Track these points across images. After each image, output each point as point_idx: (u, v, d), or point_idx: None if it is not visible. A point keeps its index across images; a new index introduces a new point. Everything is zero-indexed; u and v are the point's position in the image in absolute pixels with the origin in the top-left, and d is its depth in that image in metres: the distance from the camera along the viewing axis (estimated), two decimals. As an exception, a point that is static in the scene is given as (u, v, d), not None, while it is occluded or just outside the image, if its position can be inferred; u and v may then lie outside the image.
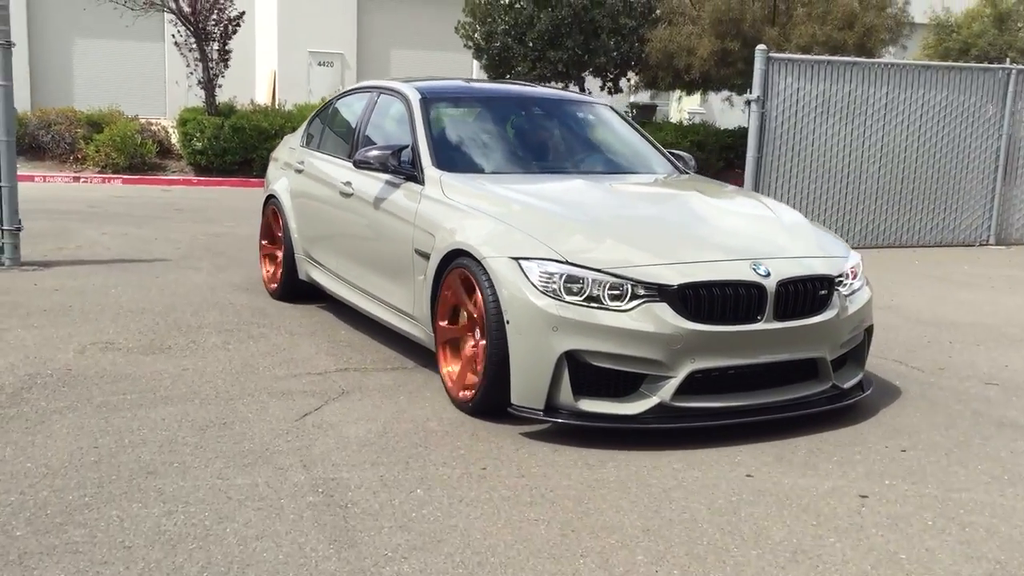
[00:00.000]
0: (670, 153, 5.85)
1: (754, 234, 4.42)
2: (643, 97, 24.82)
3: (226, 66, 16.85)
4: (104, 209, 11.44)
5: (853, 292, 4.37)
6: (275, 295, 6.49)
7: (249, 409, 4.14)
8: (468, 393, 4.14)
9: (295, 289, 6.32)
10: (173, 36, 17.02)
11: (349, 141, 5.82)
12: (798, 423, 4.11)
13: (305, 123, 6.77)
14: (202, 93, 16.84)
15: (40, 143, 16.55)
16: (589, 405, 3.84)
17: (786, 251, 4.25)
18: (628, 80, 20.28)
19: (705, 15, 17.79)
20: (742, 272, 3.95)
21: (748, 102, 9.03)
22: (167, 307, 6.08)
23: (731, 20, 17.39)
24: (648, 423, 3.84)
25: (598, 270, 3.84)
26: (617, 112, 6.13)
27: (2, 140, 7.08)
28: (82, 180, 15.45)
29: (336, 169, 5.72)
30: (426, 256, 4.49)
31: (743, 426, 3.99)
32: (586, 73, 19.24)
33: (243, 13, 16.93)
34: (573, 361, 3.79)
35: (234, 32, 16.80)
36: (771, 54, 8.99)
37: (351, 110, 6.12)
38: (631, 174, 5.46)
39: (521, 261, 3.92)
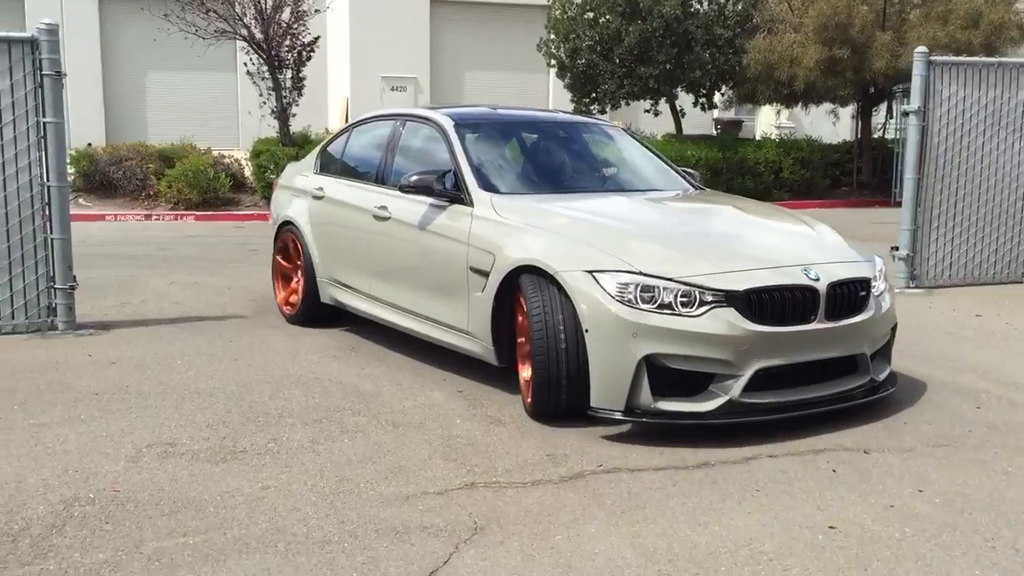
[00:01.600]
0: (683, 170, 6.22)
1: (796, 242, 4.84)
2: (728, 113, 23.45)
3: (300, 94, 16.04)
4: (174, 252, 10.57)
5: (881, 293, 4.71)
6: (292, 319, 6.64)
7: (353, 563, 3.00)
8: (529, 400, 4.46)
9: (315, 312, 6.49)
10: (245, 64, 16.27)
11: (376, 167, 6.04)
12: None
13: (316, 151, 6.90)
14: (276, 123, 16.04)
15: (111, 180, 15.94)
16: (666, 405, 4.12)
17: (828, 256, 4.62)
18: (722, 94, 18.95)
19: (808, 21, 16.42)
20: (796, 277, 4.29)
21: (906, 113, 7.71)
22: (241, 385, 5.03)
23: (838, 26, 15.98)
24: (718, 419, 4.13)
25: (669, 279, 4.13)
26: (630, 134, 6.49)
27: (53, 186, 6.14)
28: (154, 217, 14.73)
29: (365, 194, 5.93)
30: (483, 273, 4.72)
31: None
32: (678, 88, 17.97)
33: (317, 38, 16.11)
34: (650, 365, 4.07)
35: (308, 58, 16.00)
36: (932, 57, 7.64)
37: (373, 138, 6.32)
38: (658, 191, 5.73)
39: (595, 274, 4.20)
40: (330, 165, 6.64)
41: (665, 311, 4.08)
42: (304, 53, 15.87)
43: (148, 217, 14.70)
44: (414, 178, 5.23)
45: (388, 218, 5.60)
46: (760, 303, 4.16)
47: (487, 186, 5.17)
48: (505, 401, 4.76)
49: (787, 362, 4.24)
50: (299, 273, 6.57)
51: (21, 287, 6.17)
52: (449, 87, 27.70)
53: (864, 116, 18.64)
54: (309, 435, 4.22)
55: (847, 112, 20.38)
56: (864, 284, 4.55)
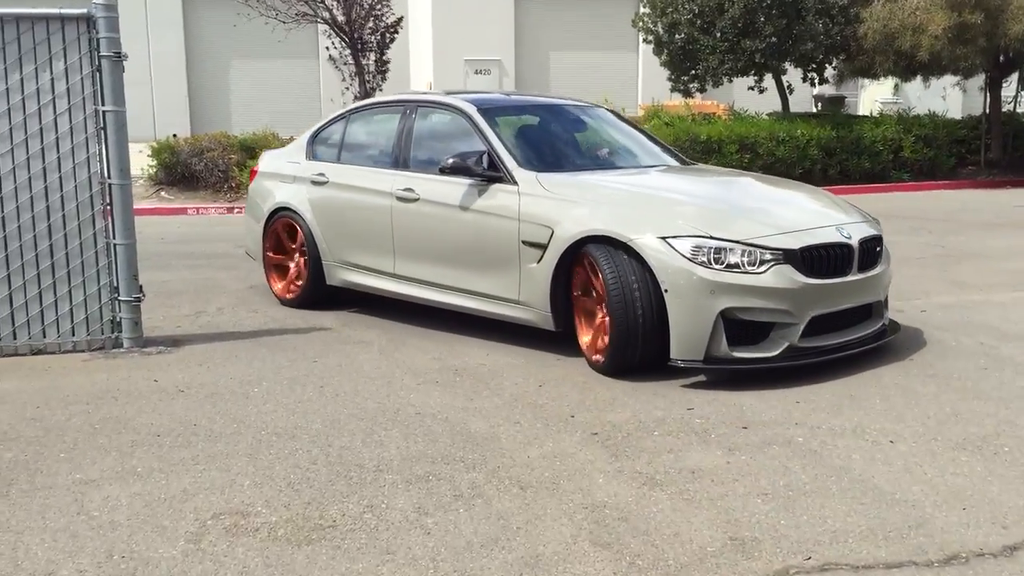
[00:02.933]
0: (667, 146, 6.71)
1: (821, 206, 5.38)
2: (827, 89, 21.94)
3: (383, 78, 15.29)
4: (255, 249, 9.84)
5: (884, 249, 5.31)
6: (294, 303, 6.73)
7: None
8: (599, 357, 4.87)
9: (319, 295, 6.65)
10: (327, 49, 15.56)
11: (391, 152, 6.23)
12: None
13: (305, 138, 6.97)
14: (359, 109, 15.32)
15: (193, 172, 15.42)
16: (739, 352, 4.59)
17: (851, 218, 5.19)
18: (833, 68, 17.55)
19: (936, -15, 14.96)
20: (833, 236, 4.85)
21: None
22: (328, 423, 4.17)
23: (969, -11, 14.49)
24: (782, 362, 4.65)
25: (736, 241, 4.60)
26: (616, 114, 6.95)
27: (114, 183, 5.38)
28: (235, 211, 14.11)
29: (381, 177, 6.12)
30: (539, 246, 5.08)
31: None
32: (787, 63, 16.66)
33: (401, 19, 15.33)
34: (725, 318, 4.53)
35: (391, 41, 15.23)
36: None
37: (378, 125, 6.56)
38: (665, 165, 6.19)
39: (669, 239, 4.62)
40: (326, 152, 6.74)
41: (734, 270, 4.57)
42: (387, 35, 15.12)
43: (230, 210, 14.10)
44: (451, 160, 5.49)
45: (416, 199, 5.83)
46: (811, 259, 4.72)
47: (526, 165, 5.47)
48: (654, 449, 3.80)
49: (832, 310, 4.81)
50: (298, 257, 6.75)
51: (82, 299, 5.44)
52: (534, 69, 26.72)
53: (993, 88, 17.05)
54: (414, 501, 3.33)
55: (964, 86, 18.77)
56: (879, 241, 5.23)
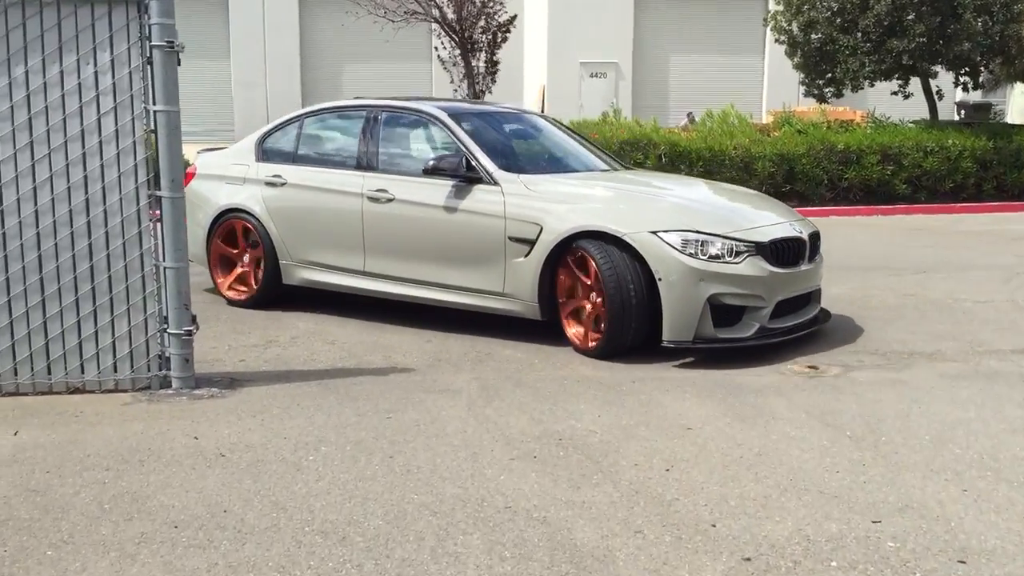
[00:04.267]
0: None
1: (770, 205, 6.20)
2: (971, 95, 20.01)
3: (494, 80, 14.40)
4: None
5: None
6: (246, 304, 6.79)
7: None
8: (594, 343, 5.36)
9: (272, 294, 6.76)
10: (436, 49, 14.76)
11: (357, 155, 6.43)
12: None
13: (252, 140, 7.03)
14: (467, 113, 14.47)
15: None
16: (721, 333, 5.19)
17: (795, 216, 5.98)
18: (989, 71, 15.82)
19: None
20: (789, 231, 5.55)
21: None
22: (391, 519, 3.21)
23: None
24: (755, 341, 5.29)
25: (717, 235, 5.21)
26: (558, 121, 7.47)
27: (165, 196, 4.58)
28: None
29: (348, 179, 6.33)
30: (526, 242, 5.52)
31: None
32: (938, 65, 15.04)
33: (514, 17, 14.39)
34: (710, 303, 5.12)
35: (503, 40, 14.33)
36: None
37: (340, 128, 6.78)
38: (620, 170, 6.80)
39: (660, 233, 5.19)
40: (279, 154, 6.84)
41: (716, 260, 5.12)
42: (499, 34, 14.23)
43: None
44: (434, 163, 5.86)
45: (391, 200, 6.08)
46: (776, 251, 5.32)
47: (505, 167, 5.88)
48: (833, 591, 2.71)
49: (792, 295, 5.45)
50: (248, 258, 6.83)
51: (125, 331, 4.66)
52: (652, 73, 25.49)
53: None
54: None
55: None
56: (819, 236, 5.85)
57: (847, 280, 7.92)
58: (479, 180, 5.78)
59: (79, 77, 4.47)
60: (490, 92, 14.39)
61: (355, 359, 5.40)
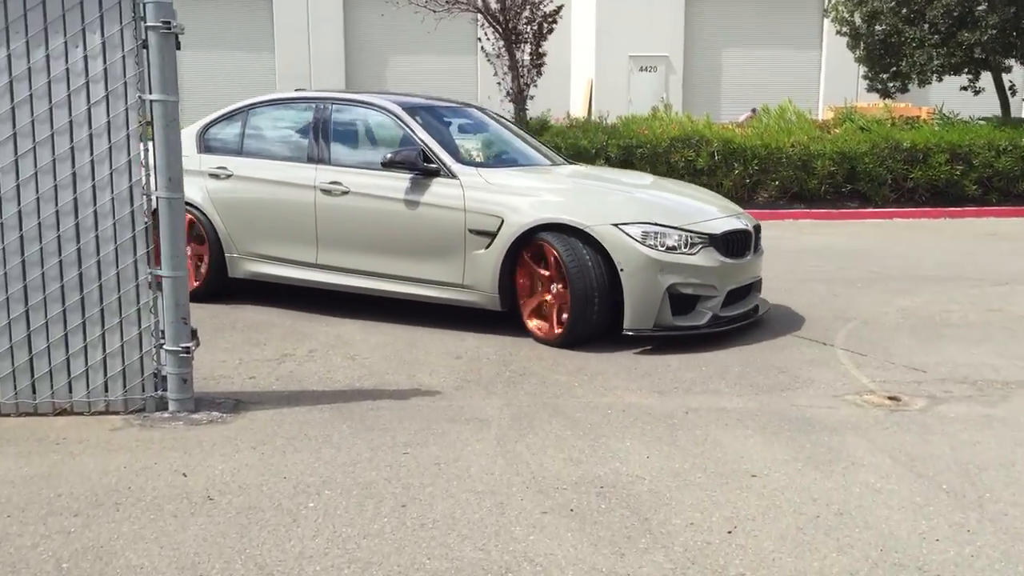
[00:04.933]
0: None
1: (715, 199, 6.41)
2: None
3: (539, 73, 13.81)
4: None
5: None
6: (193, 296, 6.02)
7: None
8: (558, 332, 5.45)
9: (218, 287, 6.65)
10: (479, 40, 14.21)
11: (307, 148, 6.38)
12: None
13: (193, 132, 6.83)
14: (512, 107, 13.90)
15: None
16: (678, 321, 5.39)
17: (736, 209, 6.22)
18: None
19: None
20: (737, 223, 5.79)
21: None
22: (397, 591, 2.67)
23: None
24: (708, 328, 5.49)
25: (675, 227, 5.42)
26: (503, 116, 7.71)
27: (162, 196, 4.08)
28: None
29: (299, 171, 6.29)
30: (487, 234, 5.58)
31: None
32: (1011, 59, 14.15)
33: (560, 7, 13.76)
34: (669, 293, 5.32)
35: (549, 31, 13.73)
36: None
37: (288, 121, 6.69)
38: (565, 165, 6.97)
39: (621, 226, 5.34)
40: (223, 146, 6.73)
41: (674, 252, 5.37)
42: (545, 25, 13.62)
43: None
44: (392, 155, 5.85)
45: (346, 192, 6.06)
46: (727, 243, 5.61)
47: (463, 160, 5.99)
48: None
49: (740, 285, 5.73)
50: (190, 251, 6.54)
51: (118, 346, 4.17)
52: (703, 67, 24.70)
53: None
54: None
55: None
56: (759, 229, 6.15)
57: (919, 291, 7.23)
58: (437, 173, 5.82)
59: (67, 62, 3.98)
60: (535, 86, 13.81)
61: (376, 378, 4.87)
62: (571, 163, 7.24)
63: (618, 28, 23.69)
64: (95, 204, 4.06)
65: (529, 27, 13.54)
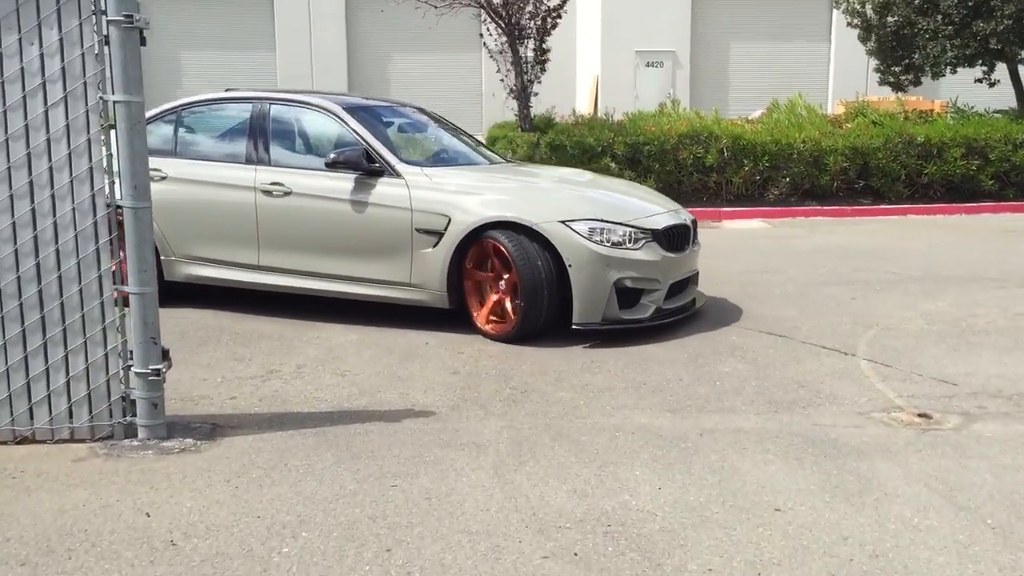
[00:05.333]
0: None
1: (652, 195, 6.55)
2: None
3: (543, 69, 13.44)
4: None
5: None
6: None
7: None
8: (507, 327, 5.53)
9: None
10: (481, 36, 13.86)
11: (245, 148, 6.28)
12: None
13: None
14: (515, 104, 13.55)
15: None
16: (624, 315, 5.48)
17: (672, 204, 6.38)
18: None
19: None
20: (676, 219, 5.92)
21: None
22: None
23: None
24: (652, 321, 5.60)
25: (620, 223, 5.51)
26: (438, 115, 7.51)
27: (127, 207, 3.75)
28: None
29: (238, 173, 6.20)
30: (434, 232, 5.61)
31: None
32: (1028, 50, 13.75)
33: (565, 2, 13.39)
34: (615, 287, 5.41)
35: (553, 27, 13.35)
36: None
37: (224, 121, 6.55)
38: (506, 163, 7.14)
39: (568, 223, 5.43)
40: (155, 148, 6.43)
41: (619, 247, 5.45)
42: (548, 20, 13.25)
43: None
44: (335, 156, 5.80)
45: (288, 193, 6.01)
46: (669, 237, 5.73)
47: (407, 160, 5.97)
48: None
49: (681, 278, 5.87)
50: (124, 255, 6.59)
51: (82, 368, 3.84)
52: (711, 62, 24.30)
53: None
54: None
55: None
56: (696, 224, 6.27)
57: (941, 294, 6.87)
58: (381, 173, 5.82)
59: (21, 61, 3.65)
60: (539, 82, 13.46)
61: (367, 397, 4.53)
62: (508, 161, 7.39)
63: (624, 23, 23.32)
64: (55, 215, 3.73)
65: (532, 22, 13.18)
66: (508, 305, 5.53)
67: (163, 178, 6.33)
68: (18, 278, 3.76)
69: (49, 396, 3.84)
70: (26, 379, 3.82)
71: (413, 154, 6.39)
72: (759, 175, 12.56)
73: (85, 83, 3.68)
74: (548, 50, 13.39)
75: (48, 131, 3.68)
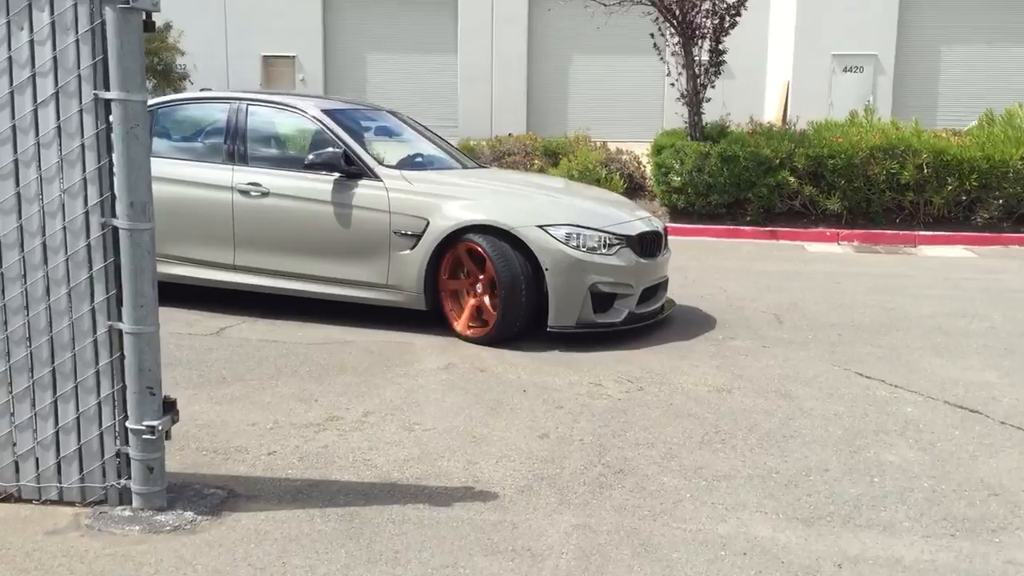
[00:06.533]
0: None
1: (624, 203, 6.55)
2: None
3: (717, 72, 12.26)
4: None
5: None
6: None
7: None
8: (486, 330, 5.57)
9: None
10: (652, 36, 12.85)
11: (223, 149, 6.28)
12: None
13: None
14: (687, 111, 12.44)
15: (491, 178, 13.45)
16: (599, 319, 5.56)
17: (643, 211, 6.39)
18: None
19: None
20: (648, 226, 6.00)
21: None
22: None
23: None
24: (625, 325, 5.68)
25: (596, 229, 5.60)
26: (413, 120, 7.52)
27: (122, 227, 3.08)
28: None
29: (214, 173, 6.20)
30: (412, 235, 5.67)
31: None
32: None
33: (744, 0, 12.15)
34: (590, 291, 5.48)
35: (732, 26, 12.15)
36: None
37: (201, 120, 6.58)
38: (481, 168, 7.15)
39: (546, 227, 5.52)
40: None
41: (594, 252, 5.54)
42: (727, 19, 12.06)
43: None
44: (313, 157, 5.87)
45: (266, 194, 6.03)
46: (642, 243, 5.80)
47: (386, 163, 6.05)
48: None
49: (652, 283, 5.92)
50: None
51: (72, 419, 3.22)
52: (919, 66, 22.10)
53: None
54: None
55: None
56: (667, 231, 6.34)
57: None
58: (360, 175, 5.86)
59: (9, 50, 3.05)
60: (712, 87, 12.29)
61: (424, 464, 3.71)
62: (483, 167, 7.36)
63: (821, 24, 21.58)
64: (43, 235, 3.12)
65: (708, 21, 12.04)
66: (487, 302, 5.57)
67: None
68: (3, 307, 3.17)
69: (35, 449, 3.24)
70: (10, 427, 3.23)
71: (391, 158, 6.33)
72: (965, 195, 10.92)
73: (79, 76, 3.04)
74: (724, 52, 12.20)
75: (38, 133, 3.07)
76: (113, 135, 3.03)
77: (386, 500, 3.35)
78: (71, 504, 3.25)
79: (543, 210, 5.68)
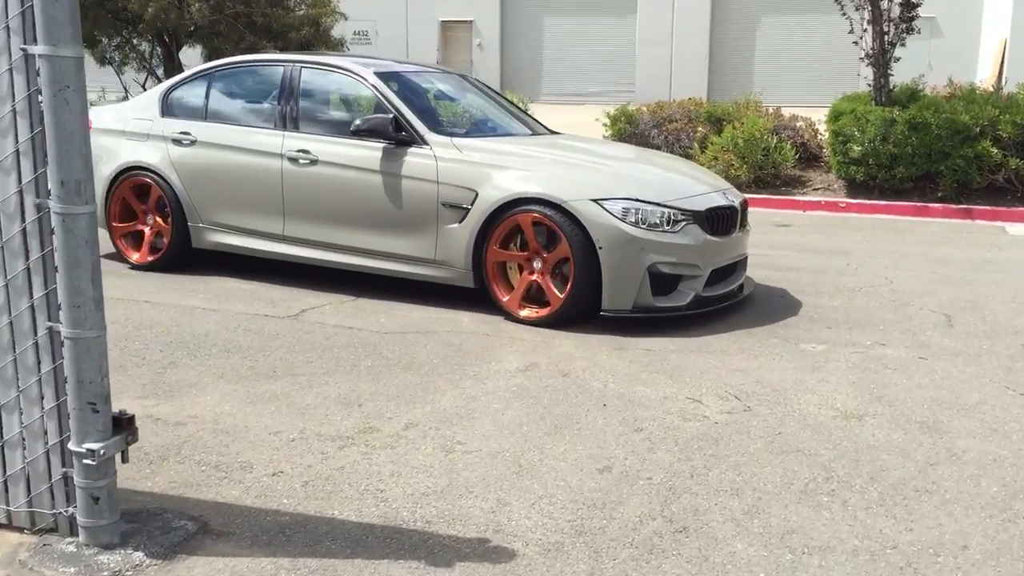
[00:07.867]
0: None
1: (702, 174, 6.00)
2: None
3: (908, 29, 10.80)
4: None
5: None
6: (155, 267, 6.40)
7: None
8: (548, 311, 5.14)
9: (181, 258, 6.38)
10: (835, -12, 11.46)
11: (274, 113, 6.07)
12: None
13: (156, 94, 6.60)
14: (872, 72, 11.05)
15: (652, 146, 12.53)
16: (659, 302, 5.09)
17: (725, 184, 5.88)
18: None
19: None
20: (722, 200, 5.47)
21: None
22: None
23: None
24: (689, 311, 5.18)
25: (657, 204, 5.11)
26: (482, 82, 7.29)
27: (55, 211, 2.55)
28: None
29: (265, 138, 5.99)
30: (460, 208, 5.29)
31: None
32: None
33: (947, -59, 10.58)
34: (649, 272, 5.01)
35: (928, -27, 10.62)
36: None
37: (255, 84, 6.37)
38: (545, 135, 6.57)
39: (601, 201, 5.05)
40: (186, 109, 6.42)
41: (655, 229, 5.06)
42: (923, -34, 10.56)
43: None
44: (362, 123, 5.55)
45: (315, 161, 5.76)
46: (712, 220, 5.29)
47: (437, 129, 5.67)
48: None
49: (724, 264, 5.41)
50: (153, 220, 6.44)
51: (16, 432, 2.75)
52: None
53: None
54: None
55: None
56: (746, 205, 5.81)
57: None
58: (410, 143, 5.55)
59: (-67, -2, 2.57)
60: (903, 44, 10.83)
61: (445, 502, 3.04)
62: (553, 133, 6.78)
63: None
64: (-24, 218, 2.64)
65: (900, -32, 10.58)
66: (550, 284, 5.17)
67: (192, 143, 6.23)
68: (-58, 301, 2.72)
69: (-20, 464, 2.80)
70: (-44, 437, 2.80)
71: (447, 123, 6.15)
72: None
73: (8, 28, 2.52)
74: (918, 4, 10.71)
75: (-34, 99, 2.58)
76: (44, 97, 2.50)
77: (376, 552, 2.71)
78: (20, 530, 2.80)
79: (600, 182, 5.24)
